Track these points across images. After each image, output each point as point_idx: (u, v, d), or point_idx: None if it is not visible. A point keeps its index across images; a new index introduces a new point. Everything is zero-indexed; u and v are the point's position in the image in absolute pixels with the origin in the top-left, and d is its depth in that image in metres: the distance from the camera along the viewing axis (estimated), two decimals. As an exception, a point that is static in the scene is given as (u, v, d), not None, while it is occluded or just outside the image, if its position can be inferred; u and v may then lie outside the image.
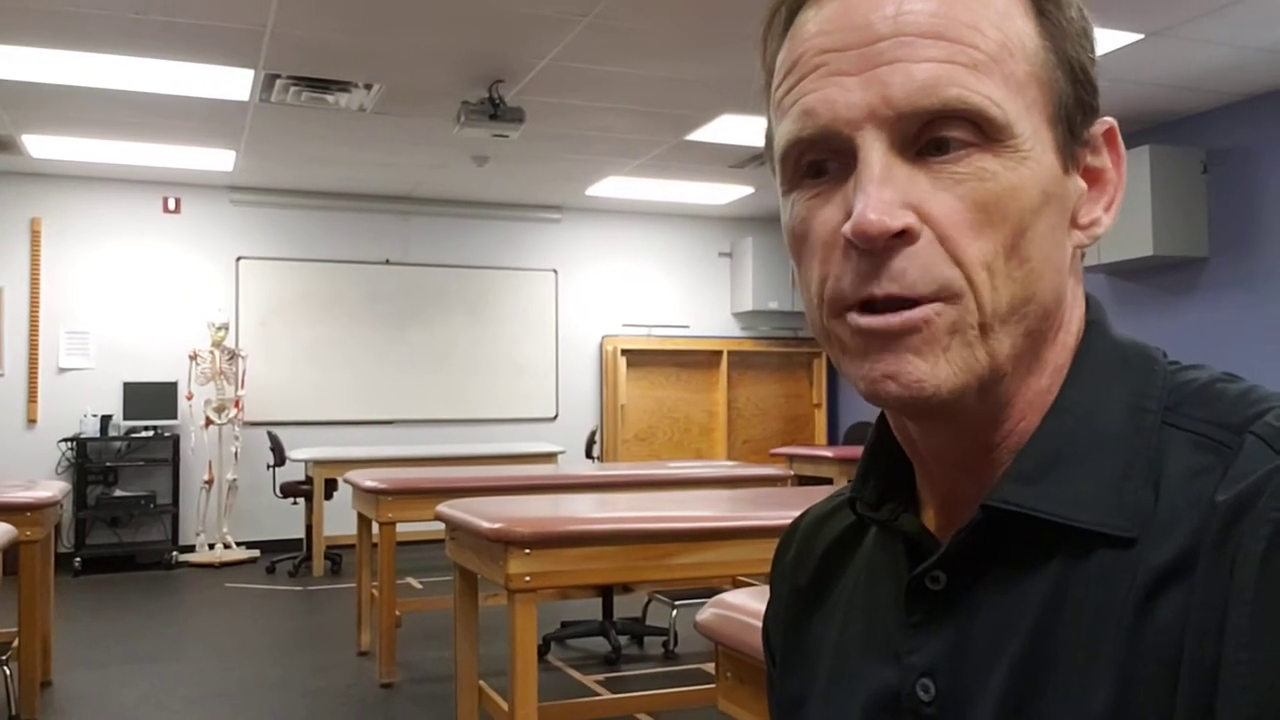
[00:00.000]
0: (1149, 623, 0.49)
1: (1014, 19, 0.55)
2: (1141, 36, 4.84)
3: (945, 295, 0.53)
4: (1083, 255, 0.60)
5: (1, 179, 7.46)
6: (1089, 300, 0.60)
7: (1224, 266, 6.05)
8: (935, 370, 0.53)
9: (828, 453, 7.20)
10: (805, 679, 0.69)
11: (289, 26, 4.70)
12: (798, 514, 0.77)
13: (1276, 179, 5.79)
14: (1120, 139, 0.60)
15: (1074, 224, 0.58)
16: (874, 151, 0.53)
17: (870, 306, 0.54)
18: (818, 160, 0.56)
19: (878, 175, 0.53)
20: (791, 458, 7.36)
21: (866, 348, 0.55)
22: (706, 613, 1.82)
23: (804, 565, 0.73)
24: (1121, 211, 0.60)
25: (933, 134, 0.53)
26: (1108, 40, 4.82)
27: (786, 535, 0.77)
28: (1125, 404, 0.56)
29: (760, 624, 0.78)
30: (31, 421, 7.50)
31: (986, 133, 0.53)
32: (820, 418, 9.82)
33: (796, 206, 0.58)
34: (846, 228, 0.53)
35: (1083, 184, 0.58)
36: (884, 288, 0.53)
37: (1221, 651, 0.45)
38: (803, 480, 6.53)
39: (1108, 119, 0.59)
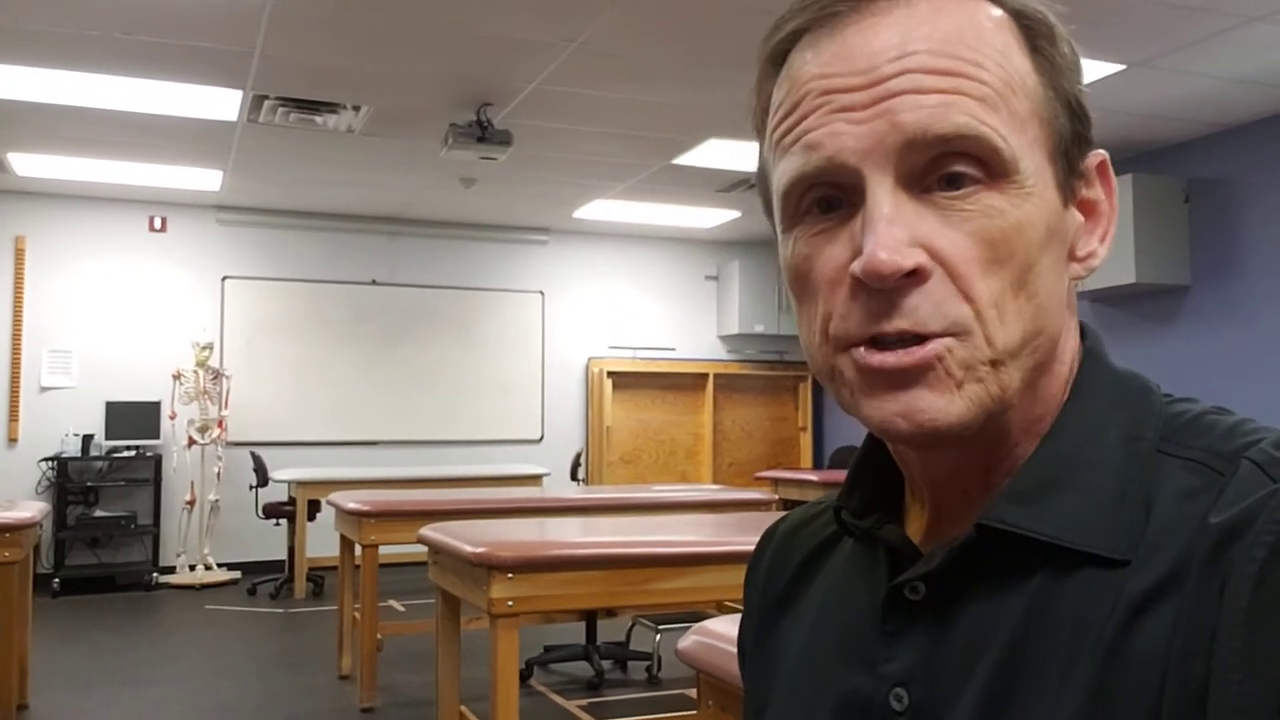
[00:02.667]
0: (1132, 641, 0.49)
1: (1013, 57, 0.55)
2: (1124, 67, 4.91)
3: (955, 331, 0.53)
4: (1076, 287, 0.61)
5: (-14, 196, 7.45)
6: (1085, 329, 0.61)
7: (1205, 294, 6.10)
8: (948, 407, 0.53)
9: (813, 476, 7.22)
10: (771, 683, 0.69)
11: (278, 48, 4.71)
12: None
13: (1256, 208, 5.85)
14: (1111, 170, 0.61)
15: (1071, 256, 0.58)
16: (882, 187, 0.53)
17: (879, 342, 0.54)
18: (821, 197, 0.56)
19: (887, 213, 0.52)
20: (776, 481, 7.37)
21: (876, 384, 0.54)
22: (688, 640, 1.82)
23: (778, 573, 0.73)
24: None
25: (940, 170, 0.53)
26: (1090, 71, 4.87)
27: (761, 544, 0.77)
28: (1121, 432, 0.56)
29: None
30: (12, 440, 7.44)
31: (993, 169, 0.53)
32: (805, 441, 9.83)
33: (798, 244, 0.57)
34: (856, 266, 0.53)
35: (1079, 217, 0.59)
36: (895, 324, 0.53)
37: (1211, 671, 0.46)
38: (787, 504, 6.53)
39: (1100, 151, 0.60)
